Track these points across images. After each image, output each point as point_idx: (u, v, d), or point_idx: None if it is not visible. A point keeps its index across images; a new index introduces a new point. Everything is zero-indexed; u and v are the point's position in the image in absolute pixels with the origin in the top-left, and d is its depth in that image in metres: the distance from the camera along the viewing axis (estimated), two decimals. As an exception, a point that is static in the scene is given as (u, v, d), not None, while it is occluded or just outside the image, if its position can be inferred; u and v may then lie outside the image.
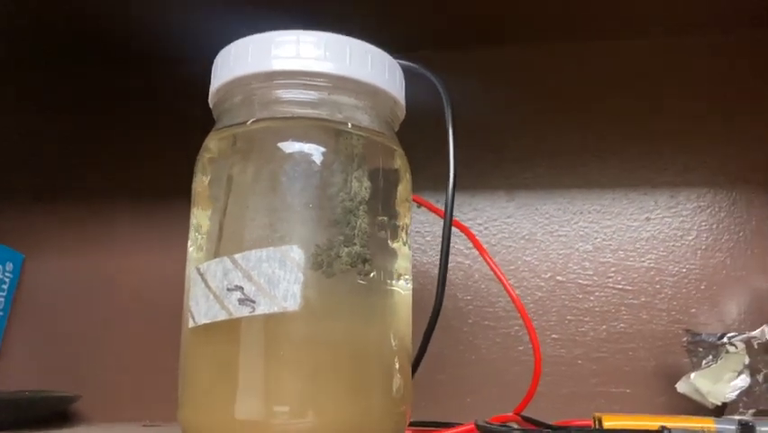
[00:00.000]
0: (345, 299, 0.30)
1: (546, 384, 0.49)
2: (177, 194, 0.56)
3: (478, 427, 0.31)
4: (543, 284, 0.52)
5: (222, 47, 0.34)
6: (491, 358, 0.51)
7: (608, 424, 0.30)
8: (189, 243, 0.33)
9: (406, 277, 0.33)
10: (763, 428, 0.25)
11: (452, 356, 0.51)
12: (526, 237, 0.53)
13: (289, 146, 0.31)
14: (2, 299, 0.55)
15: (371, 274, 0.31)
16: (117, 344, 0.55)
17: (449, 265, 0.53)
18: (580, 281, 0.52)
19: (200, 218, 0.32)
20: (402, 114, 0.35)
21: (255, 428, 0.28)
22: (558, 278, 0.52)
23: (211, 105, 0.35)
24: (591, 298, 0.51)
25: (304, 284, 0.29)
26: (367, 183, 0.32)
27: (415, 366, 0.35)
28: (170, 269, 0.55)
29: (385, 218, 0.32)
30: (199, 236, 0.32)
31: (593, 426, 0.33)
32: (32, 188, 0.59)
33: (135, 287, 0.56)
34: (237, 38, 0.33)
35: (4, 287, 0.56)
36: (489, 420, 0.34)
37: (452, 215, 0.35)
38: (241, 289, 0.29)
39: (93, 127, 0.59)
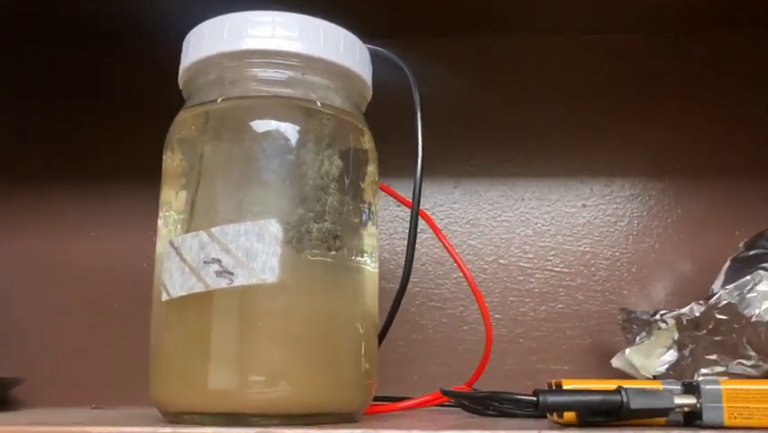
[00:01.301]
0: (317, 274, 0.31)
1: (490, 361, 0.51)
2: (131, 176, 0.56)
3: (443, 392, 0.32)
4: (486, 267, 0.54)
5: (190, 29, 0.34)
6: (437, 337, 0.53)
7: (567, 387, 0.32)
8: (159, 220, 0.33)
9: (373, 255, 0.35)
10: (707, 387, 0.28)
11: (400, 336, 0.53)
12: (471, 222, 0.55)
13: (266, 124, 0.32)
14: (-65, 282, 0.53)
15: (341, 250, 0.32)
16: (65, 327, 0.54)
17: (397, 249, 0.55)
18: (521, 264, 0.54)
19: (170, 196, 0.33)
20: (369, 96, 0.37)
21: (230, 398, 0.29)
22: (500, 261, 0.54)
23: (181, 84, 0.35)
24: (531, 280, 0.54)
25: (281, 257, 0.30)
26: (338, 162, 0.33)
27: (381, 335, 0.37)
28: (121, 252, 0.55)
29: (354, 197, 0.34)
30: (170, 213, 0.32)
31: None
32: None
33: (85, 270, 0.55)
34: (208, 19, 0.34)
35: (-61, 269, 0.54)
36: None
37: (419, 204, 0.37)
38: (218, 261, 0.30)
39: (45, 109, 0.58)
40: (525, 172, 0.56)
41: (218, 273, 0.29)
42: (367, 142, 0.35)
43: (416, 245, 0.55)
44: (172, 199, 0.33)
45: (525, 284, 0.54)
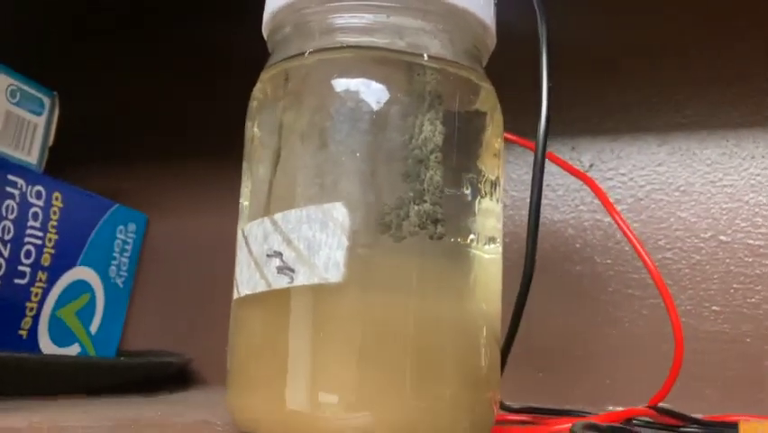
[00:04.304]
0: (411, 268, 0.25)
1: (704, 366, 0.41)
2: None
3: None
4: (702, 245, 0.43)
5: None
6: (636, 333, 0.43)
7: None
8: (241, 199, 0.29)
9: (494, 238, 0.27)
10: None
11: (589, 331, 0.44)
12: (682, 189, 0.44)
13: (339, 84, 0.25)
14: (126, 260, 0.55)
15: (444, 238, 0.25)
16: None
17: (585, 224, 0.45)
18: (750, 242, 0.42)
19: (249, 173, 0.28)
20: (492, 42, 0.29)
21: (301, 421, 0.24)
22: (721, 237, 0.43)
23: (265, 36, 0.30)
24: (766, 262, 0.41)
25: (350, 250, 0.24)
26: (440, 127, 0.26)
27: (506, 347, 0.29)
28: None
29: (466, 171, 0.26)
30: (247, 194, 0.28)
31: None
32: (155, 147, 0.59)
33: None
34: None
35: (128, 247, 0.55)
36: (601, 419, 0.27)
37: (544, 148, 0.28)
38: (280, 255, 0.24)
39: (210, 82, 0.57)
40: (756, 120, 0.43)
41: (279, 270, 0.24)
42: (484, 101, 0.27)
43: (609, 219, 0.45)
44: (250, 178, 0.28)
45: (754, 268, 0.42)
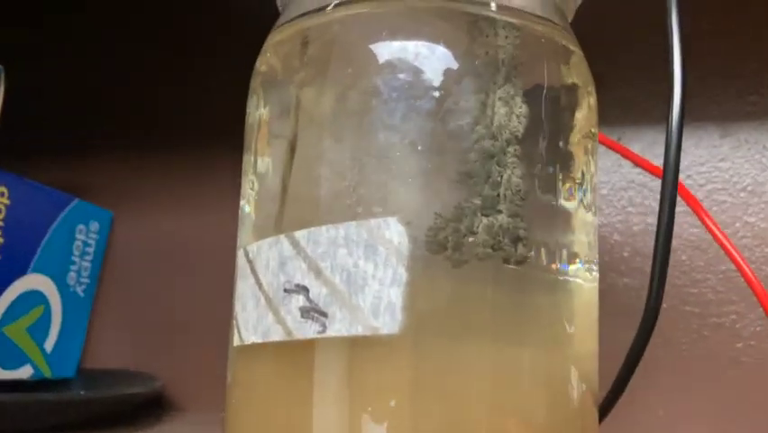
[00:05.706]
0: (485, 307, 0.18)
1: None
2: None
3: None
4: (774, 255, 0.37)
5: None
6: (695, 357, 0.37)
7: None
8: (242, 202, 0.21)
9: (590, 260, 0.20)
10: None
11: (639, 353, 0.37)
12: (749, 189, 0.37)
13: (386, 48, 0.18)
14: (87, 264, 0.48)
15: (529, 260, 0.18)
16: (220, 315, 0.47)
17: (634, 228, 0.39)
18: (834, 252, 0.36)
19: (253, 169, 0.21)
20: (581, -7, 0.22)
21: None
22: (797, 247, 0.36)
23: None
24: None
25: (411, 287, 0.16)
26: (521, 109, 0.18)
27: (608, 406, 0.22)
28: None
29: (552, 167, 0.19)
30: (251, 198, 0.20)
31: None
32: (122, 133, 0.51)
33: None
34: None
35: (89, 250, 0.48)
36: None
37: (677, 170, 0.21)
38: (305, 291, 0.17)
39: (185, 66, 0.50)
40: (839, 111, 0.37)
41: (304, 312, 0.17)
42: (576, 72, 0.20)
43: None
44: (255, 175, 0.21)
45: (839, 283, 0.35)
